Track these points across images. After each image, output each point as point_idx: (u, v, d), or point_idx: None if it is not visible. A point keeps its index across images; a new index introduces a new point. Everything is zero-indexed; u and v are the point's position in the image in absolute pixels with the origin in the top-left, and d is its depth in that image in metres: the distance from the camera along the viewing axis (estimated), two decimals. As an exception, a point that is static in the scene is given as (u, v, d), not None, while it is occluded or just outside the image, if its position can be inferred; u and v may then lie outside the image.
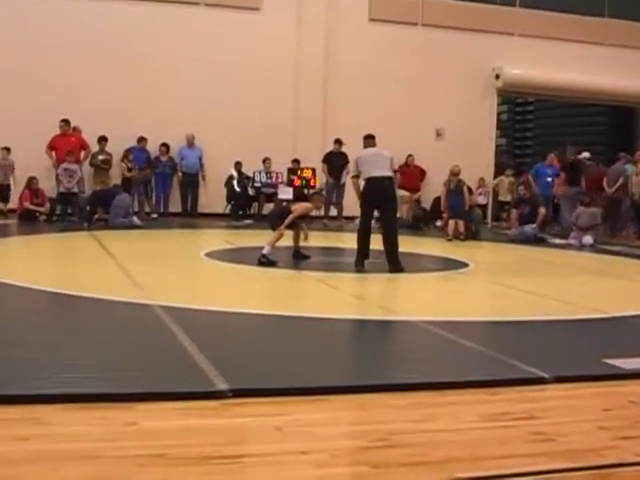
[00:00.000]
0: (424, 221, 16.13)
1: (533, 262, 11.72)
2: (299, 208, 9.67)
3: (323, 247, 11.85)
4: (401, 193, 16.45)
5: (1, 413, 3.56)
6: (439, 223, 15.59)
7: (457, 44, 17.85)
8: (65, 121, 15.17)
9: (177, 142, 16.29)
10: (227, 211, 16.37)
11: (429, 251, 12.25)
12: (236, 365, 4.53)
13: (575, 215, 14.69)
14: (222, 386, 4.01)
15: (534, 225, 14.30)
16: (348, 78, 17.14)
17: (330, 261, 10.90)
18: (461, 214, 14.17)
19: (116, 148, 15.69)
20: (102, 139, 15.54)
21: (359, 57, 17.07)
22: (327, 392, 4.08)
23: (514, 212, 15.06)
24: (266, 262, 9.07)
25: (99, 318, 6.08)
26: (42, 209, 14.65)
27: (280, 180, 16.36)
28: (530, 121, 26.84)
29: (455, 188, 14.45)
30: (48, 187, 14.97)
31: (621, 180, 15.91)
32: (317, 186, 15.90)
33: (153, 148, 16.16)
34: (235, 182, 16.20)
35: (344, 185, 15.61)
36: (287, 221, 9.39)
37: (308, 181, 16.06)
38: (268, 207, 15.22)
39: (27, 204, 14.49)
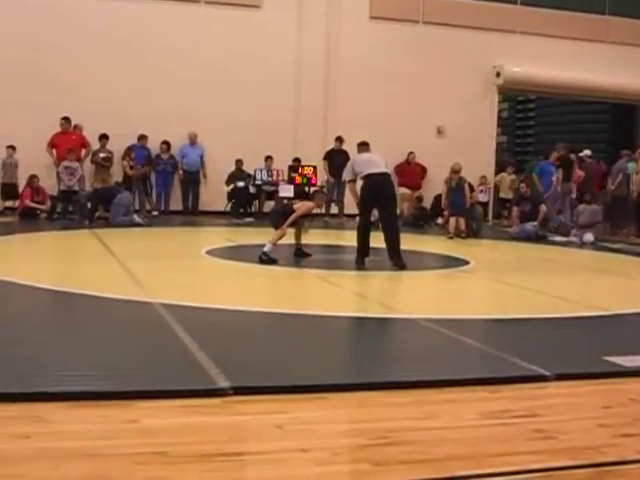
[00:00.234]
0: (425, 219, 16.11)
1: (534, 260, 11.72)
2: (302, 207, 9.64)
3: (324, 245, 11.85)
4: (402, 191, 16.48)
5: (1, 411, 3.56)
6: (440, 221, 15.56)
7: (458, 42, 17.82)
8: (66, 119, 15.17)
9: (178, 140, 16.29)
10: (228, 209, 16.38)
11: (430, 249, 12.23)
12: (237, 363, 4.53)
13: (576, 212, 14.70)
14: (223, 384, 4.01)
15: (535, 223, 14.30)
16: (349, 76, 17.12)
17: (331, 259, 10.89)
18: (462, 212, 14.18)
19: (117, 146, 15.69)
20: (103, 137, 15.55)
21: (360, 55, 17.05)
22: (328, 390, 4.07)
23: (515, 210, 15.05)
24: (267, 260, 9.06)
25: (100, 316, 6.08)
26: (43, 207, 14.64)
27: (281, 178, 16.34)
28: (531, 119, 26.77)
29: (456, 186, 14.44)
30: (49, 185, 14.98)
31: (620, 177, 15.89)
32: (318, 184, 15.89)
33: (154, 146, 16.17)
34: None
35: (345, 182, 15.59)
36: (290, 220, 9.38)
37: (309, 179, 16.04)
38: (269, 205, 15.22)
39: (28, 202, 14.49)
